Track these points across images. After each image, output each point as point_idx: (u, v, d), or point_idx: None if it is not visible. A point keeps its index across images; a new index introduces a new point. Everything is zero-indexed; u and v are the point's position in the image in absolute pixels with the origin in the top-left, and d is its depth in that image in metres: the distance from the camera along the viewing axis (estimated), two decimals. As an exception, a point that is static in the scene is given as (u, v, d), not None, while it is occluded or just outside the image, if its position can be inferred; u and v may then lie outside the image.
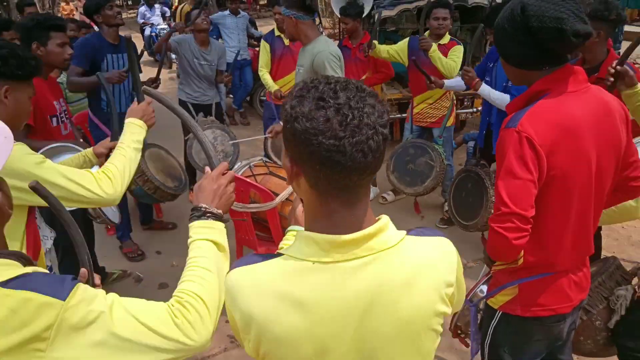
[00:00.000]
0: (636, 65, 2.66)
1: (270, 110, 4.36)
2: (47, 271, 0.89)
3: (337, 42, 4.53)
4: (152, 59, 10.18)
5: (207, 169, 1.22)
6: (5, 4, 14.73)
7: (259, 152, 4.48)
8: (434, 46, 3.48)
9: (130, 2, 21.68)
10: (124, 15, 3.94)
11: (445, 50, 3.57)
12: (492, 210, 1.39)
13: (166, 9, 11.02)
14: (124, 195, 3.24)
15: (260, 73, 4.33)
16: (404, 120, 4.42)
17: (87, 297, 0.84)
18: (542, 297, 1.47)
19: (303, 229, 0.89)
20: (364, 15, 4.23)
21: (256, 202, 2.77)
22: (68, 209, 1.58)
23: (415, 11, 5.09)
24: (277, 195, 2.70)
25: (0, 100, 1.45)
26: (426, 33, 3.77)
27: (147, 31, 10.21)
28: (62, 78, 3.63)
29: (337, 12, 4.46)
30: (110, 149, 1.92)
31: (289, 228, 1.13)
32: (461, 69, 3.47)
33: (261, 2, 17.19)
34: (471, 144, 4.35)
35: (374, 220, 0.84)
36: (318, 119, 0.74)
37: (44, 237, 2.25)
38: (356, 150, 0.74)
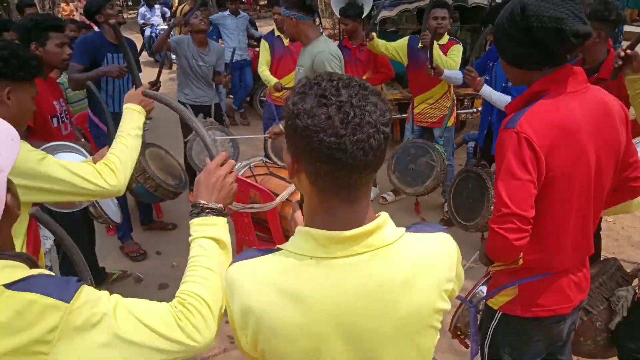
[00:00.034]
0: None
1: (270, 110, 4.36)
2: (52, 273, 0.89)
3: (337, 42, 4.53)
4: (152, 59, 10.19)
5: (207, 160, 1.17)
6: (5, 4, 14.74)
7: (259, 153, 4.48)
8: (435, 44, 3.48)
9: (130, 3, 21.69)
10: (125, 16, 3.94)
11: (444, 50, 3.57)
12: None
13: (166, 9, 11.03)
14: (124, 196, 3.25)
15: (259, 69, 4.33)
16: (404, 120, 4.43)
17: (91, 299, 0.84)
18: (542, 298, 1.47)
19: None
20: (363, 16, 4.23)
21: (256, 202, 2.77)
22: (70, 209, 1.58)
23: (415, 11, 5.10)
24: (277, 195, 2.70)
25: (2, 102, 1.44)
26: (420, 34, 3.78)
27: (147, 32, 10.22)
28: (62, 78, 3.63)
29: (336, 13, 4.46)
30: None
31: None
32: (462, 68, 3.47)
33: (261, 3, 17.20)
34: (471, 144, 4.35)
35: (373, 217, 0.84)
36: (319, 116, 0.74)
37: (44, 236, 2.25)
38: (357, 149, 0.74)
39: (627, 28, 6.83)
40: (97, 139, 3.26)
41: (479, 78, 2.97)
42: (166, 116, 5.01)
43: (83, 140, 2.89)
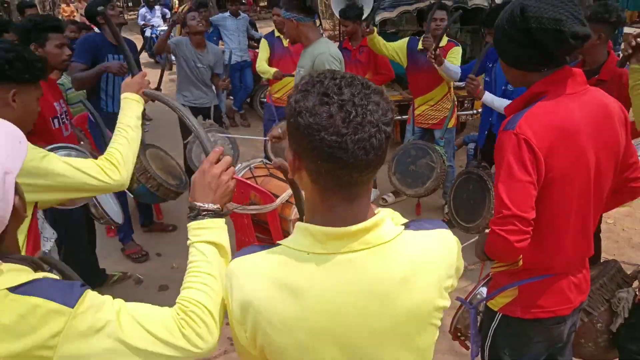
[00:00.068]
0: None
1: (270, 111, 4.37)
2: (56, 277, 0.89)
3: (337, 43, 4.53)
4: (152, 60, 10.20)
5: (203, 156, 1.13)
6: (5, 5, 14.76)
7: (259, 154, 4.48)
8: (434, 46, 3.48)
9: (130, 4, 21.72)
10: (125, 17, 3.95)
11: (443, 52, 3.57)
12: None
13: (166, 10, 11.05)
14: (125, 197, 3.24)
15: (257, 64, 4.32)
16: (404, 122, 4.43)
17: (95, 304, 0.84)
18: (542, 299, 1.47)
19: None
20: (363, 18, 4.24)
21: (256, 203, 2.77)
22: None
23: (415, 13, 5.10)
24: (277, 197, 2.70)
25: (8, 104, 1.44)
26: (423, 36, 3.78)
27: (148, 33, 10.23)
28: (63, 80, 3.63)
29: (337, 14, 4.47)
30: None
31: None
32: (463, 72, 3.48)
33: (261, 4, 17.22)
34: (471, 145, 4.35)
35: (373, 215, 0.85)
36: (321, 115, 0.74)
37: (46, 238, 2.25)
38: (358, 148, 0.74)
39: (626, 30, 6.83)
40: (98, 140, 3.27)
41: (480, 88, 2.98)
42: (166, 117, 5.01)
43: (82, 142, 2.88)
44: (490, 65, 3.35)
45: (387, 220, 0.85)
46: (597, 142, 1.35)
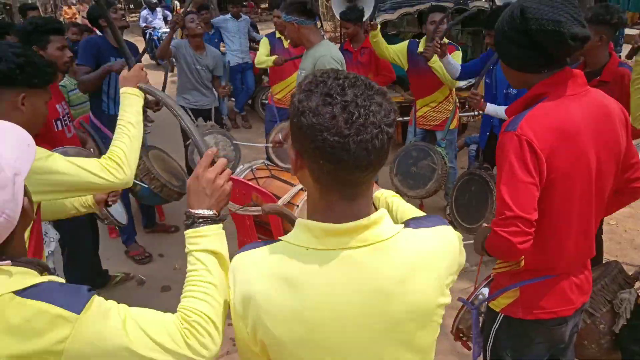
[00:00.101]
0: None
1: (272, 112, 4.38)
2: (62, 280, 0.89)
3: (339, 45, 4.54)
4: (153, 62, 10.22)
5: (198, 159, 1.11)
6: (7, 7, 14.81)
7: (260, 156, 4.48)
8: (435, 57, 3.50)
9: (132, 6, 21.78)
10: (127, 19, 3.96)
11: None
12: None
13: (168, 12, 11.08)
14: (127, 199, 3.25)
15: (257, 59, 4.34)
16: (406, 123, 4.43)
17: (102, 310, 0.85)
18: (544, 300, 1.47)
19: None
20: (364, 20, 4.25)
21: (258, 204, 2.78)
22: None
23: (416, 14, 5.10)
24: (279, 198, 2.71)
25: (17, 108, 1.45)
26: (422, 39, 3.79)
27: (149, 35, 10.26)
28: (65, 82, 3.65)
29: (338, 16, 4.48)
30: (110, 194, 1.92)
31: None
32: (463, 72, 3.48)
33: (262, 6, 17.25)
34: (473, 147, 4.36)
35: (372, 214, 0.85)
36: (324, 115, 0.75)
37: (51, 238, 2.26)
38: (360, 149, 0.75)
39: (627, 31, 6.83)
40: (100, 142, 3.27)
41: (482, 102, 3.01)
42: (167, 119, 5.02)
43: (87, 144, 2.89)
44: (491, 67, 3.35)
45: (386, 219, 0.86)
46: (598, 143, 1.36)
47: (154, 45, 10.24)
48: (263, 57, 4.26)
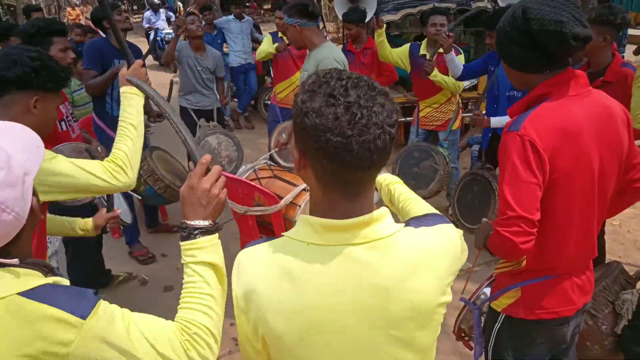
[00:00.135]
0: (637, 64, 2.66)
1: (274, 112, 4.39)
2: (67, 281, 0.90)
3: (341, 46, 4.55)
4: (157, 63, 10.26)
5: (191, 166, 1.09)
6: (12, 9, 14.89)
7: (263, 156, 4.49)
8: (435, 70, 3.56)
9: (135, 7, 21.85)
10: (130, 20, 3.97)
11: (444, 58, 3.57)
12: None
13: (171, 13, 11.12)
14: (131, 199, 3.26)
15: (257, 51, 4.35)
16: (408, 124, 4.44)
17: (107, 315, 0.85)
18: (545, 300, 1.47)
19: None
20: (366, 21, 4.25)
21: (261, 205, 2.78)
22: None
23: (418, 15, 5.10)
24: (281, 198, 2.71)
25: (29, 110, 1.47)
26: (424, 41, 3.80)
27: (152, 35, 10.29)
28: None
29: (340, 17, 4.49)
30: (109, 219, 1.92)
31: None
32: (466, 72, 3.49)
33: (265, 7, 17.28)
34: (475, 147, 4.35)
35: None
36: (327, 116, 0.76)
37: (55, 237, 2.27)
38: (363, 149, 0.76)
39: (631, 31, 6.81)
40: (103, 144, 3.27)
41: (486, 119, 3.07)
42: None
43: (93, 143, 2.91)
44: (492, 68, 3.35)
45: (387, 217, 0.86)
46: (600, 143, 1.36)
47: (157, 46, 10.28)
48: (264, 47, 4.27)
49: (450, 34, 3.27)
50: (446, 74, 3.65)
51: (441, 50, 3.65)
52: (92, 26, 4.59)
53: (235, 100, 6.72)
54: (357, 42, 4.22)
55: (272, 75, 4.63)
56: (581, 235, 1.43)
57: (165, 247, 3.75)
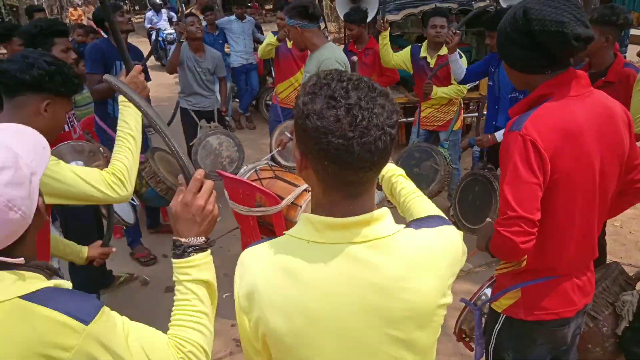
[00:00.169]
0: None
1: (276, 112, 4.39)
2: (69, 284, 0.90)
3: (343, 46, 4.55)
4: (158, 63, 10.27)
5: (181, 179, 1.04)
6: (14, 9, 14.93)
7: (264, 156, 4.49)
8: (435, 89, 3.61)
9: (137, 8, 21.89)
10: (132, 20, 3.98)
11: (445, 60, 3.57)
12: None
13: (173, 14, 11.11)
14: (133, 199, 3.25)
15: (259, 49, 4.35)
16: (409, 124, 4.43)
17: (109, 324, 0.86)
18: (545, 301, 1.47)
19: None
20: (368, 21, 4.25)
21: (262, 205, 2.79)
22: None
23: (420, 15, 5.11)
24: (282, 199, 2.72)
25: (40, 113, 1.50)
26: (424, 43, 3.80)
27: (154, 36, 10.30)
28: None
29: (342, 18, 4.49)
30: (104, 254, 1.94)
31: None
32: (467, 74, 3.48)
33: (267, 7, 17.29)
34: (477, 148, 4.35)
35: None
36: (329, 119, 0.76)
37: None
38: (364, 150, 0.77)
39: (633, 32, 6.80)
40: (106, 145, 3.26)
41: (490, 137, 3.11)
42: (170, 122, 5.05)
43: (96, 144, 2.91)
44: (493, 70, 3.35)
45: (387, 217, 0.87)
46: (601, 143, 1.36)
47: (159, 47, 10.29)
48: (265, 41, 4.26)
49: (457, 31, 3.26)
50: (447, 78, 3.66)
51: (441, 52, 3.65)
52: (94, 26, 4.59)
53: (237, 100, 6.73)
54: (359, 43, 4.22)
55: (274, 76, 4.64)
56: (581, 235, 1.43)
57: (167, 248, 3.75)
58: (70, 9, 15.12)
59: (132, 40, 3.63)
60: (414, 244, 0.87)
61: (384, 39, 3.76)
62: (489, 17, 4.21)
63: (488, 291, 1.76)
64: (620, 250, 3.52)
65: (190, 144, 3.98)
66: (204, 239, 1.01)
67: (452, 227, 0.95)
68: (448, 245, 0.91)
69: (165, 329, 0.98)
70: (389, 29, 3.78)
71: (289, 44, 4.34)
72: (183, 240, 0.99)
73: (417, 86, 4.01)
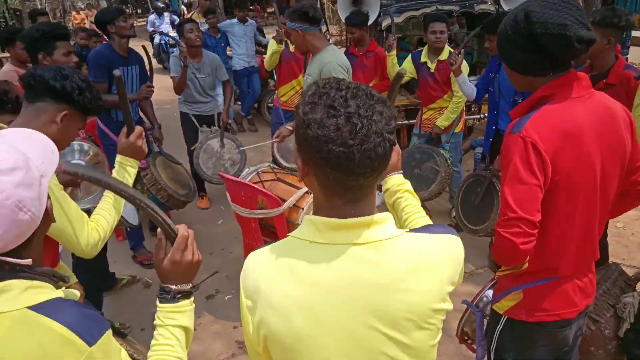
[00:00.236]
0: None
1: (277, 114, 4.41)
2: (77, 294, 0.92)
3: (344, 49, 4.56)
4: (160, 66, 10.31)
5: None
6: (18, 13, 15.02)
7: (266, 159, 4.51)
8: (439, 120, 3.70)
9: (139, 11, 21.98)
10: (134, 24, 3.99)
11: (445, 66, 3.57)
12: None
13: (175, 17, 11.15)
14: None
15: (265, 60, 4.38)
16: (411, 126, 4.44)
17: (110, 348, 0.87)
18: (547, 302, 1.47)
19: None
20: (369, 24, 4.26)
21: (264, 208, 2.79)
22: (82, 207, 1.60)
23: (421, 18, 5.11)
24: (284, 201, 2.72)
25: (54, 122, 1.53)
26: (424, 48, 3.81)
27: (157, 39, 10.35)
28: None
29: (344, 20, 4.50)
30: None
31: None
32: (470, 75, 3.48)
33: (269, 10, 17.33)
34: (479, 149, 4.35)
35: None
36: (329, 127, 0.78)
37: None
38: (364, 157, 0.79)
39: (634, 33, 6.80)
40: (108, 149, 3.26)
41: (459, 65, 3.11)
42: (172, 123, 5.06)
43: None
44: (493, 75, 3.35)
45: (389, 221, 0.89)
46: (603, 145, 1.36)
47: (161, 50, 10.33)
48: (269, 51, 4.28)
49: (462, 50, 3.17)
50: (447, 83, 3.66)
51: (441, 57, 3.65)
52: (97, 30, 4.61)
53: (239, 103, 6.75)
54: (360, 45, 4.23)
55: (276, 78, 4.65)
56: (582, 237, 1.43)
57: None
58: (73, 13, 15.21)
59: (135, 43, 3.64)
60: (416, 247, 0.88)
61: (393, 59, 3.78)
62: (488, 20, 4.22)
63: (490, 293, 1.75)
64: (623, 252, 3.51)
65: (192, 147, 4.00)
66: (190, 285, 1.07)
67: (458, 239, 0.95)
68: (451, 252, 0.92)
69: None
70: (395, 50, 3.79)
71: (292, 47, 4.36)
72: (173, 287, 1.04)
73: (421, 90, 4.02)
